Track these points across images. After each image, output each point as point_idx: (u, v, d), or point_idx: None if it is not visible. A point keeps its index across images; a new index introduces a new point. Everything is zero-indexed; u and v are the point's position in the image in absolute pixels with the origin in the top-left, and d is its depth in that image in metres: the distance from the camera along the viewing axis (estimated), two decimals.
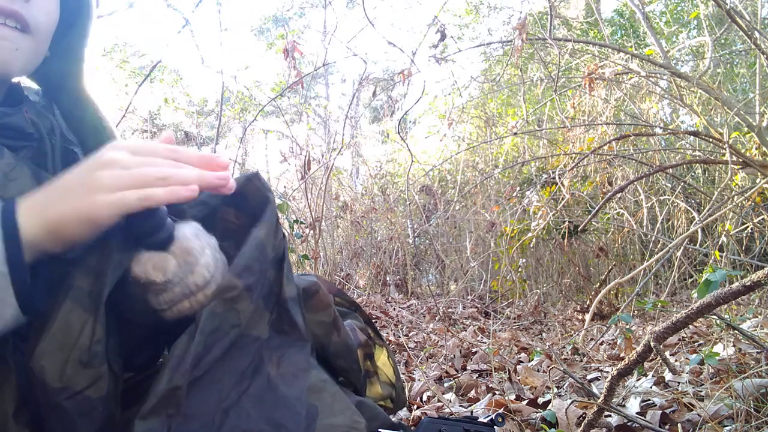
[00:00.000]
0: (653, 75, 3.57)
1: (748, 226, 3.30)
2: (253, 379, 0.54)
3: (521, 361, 2.17)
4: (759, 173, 2.83)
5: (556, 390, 1.59)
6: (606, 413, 1.19)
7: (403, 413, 1.52)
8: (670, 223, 4.31)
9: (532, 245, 4.10)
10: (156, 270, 0.53)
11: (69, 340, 0.48)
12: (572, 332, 2.94)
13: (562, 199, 3.68)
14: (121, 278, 0.53)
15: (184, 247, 0.54)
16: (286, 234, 3.89)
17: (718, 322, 1.60)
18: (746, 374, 1.19)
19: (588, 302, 3.54)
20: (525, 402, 1.48)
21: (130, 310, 0.57)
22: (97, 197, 0.49)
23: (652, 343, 0.97)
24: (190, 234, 0.56)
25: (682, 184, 4.24)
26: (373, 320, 3.53)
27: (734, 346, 1.50)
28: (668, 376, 1.46)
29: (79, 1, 0.71)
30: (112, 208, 0.49)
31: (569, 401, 1.31)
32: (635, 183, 3.69)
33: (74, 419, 0.49)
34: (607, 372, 1.76)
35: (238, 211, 0.64)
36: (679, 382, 1.41)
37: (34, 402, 0.50)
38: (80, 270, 0.51)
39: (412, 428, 0.78)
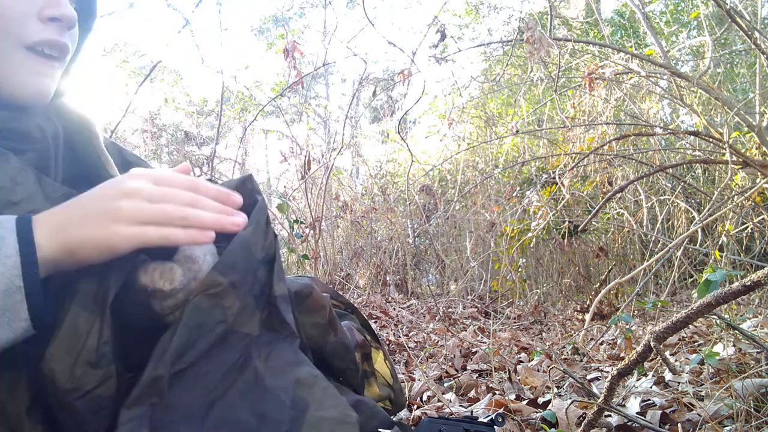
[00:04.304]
0: (653, 75, 3.57)
1: (748, 226, 3.30)
2: (241, 373, 0.55)
3: (521, 361, 2.16)
4: (759, 173, 2.83)
5: (556, 390, 1.59)
6: (606, 413, 1.19)
7: (403, 413, 1.52)
8: (670, 223, 4.31)
9: (532, 245, 4.10)
10: (163, 279, 0.55)
11: (76, 344, 0.50)
12: (572, 332, 2.93)
13: (562, 199, 3.68)
14: (124, 285, 0.54)
15: (187, 255, 0.56)
16: (287, 234, 3.89)
17: (718, 322, 1.60)
18: (746, 374, 1.19)
19: (588, 302, 3.53)
20: (525, 402, 1.48)
21: (131, 316, 0.58)
22: (118, 228, 0.51)
23: (652, 343, 0.97)
24: None
25: (682, 184, 4.23)
26: (373, 320, 3.53)
27: (734, 346, 1.50)
28: (668, 376, 1.46)
29: (89, 16, 0.74)
30: (132, 241, 0.51)
31: (569, 401, 1.31)
32: (635, 183, 3.69)
33: (85, 417, 0.50)
34: (607, 372, 1.76)
35: None
36: (679, 382, 1.41)
37: (46, 400, 0.52)
38: (84, 274, 0.52)
39: (412, 428, 0.78)
